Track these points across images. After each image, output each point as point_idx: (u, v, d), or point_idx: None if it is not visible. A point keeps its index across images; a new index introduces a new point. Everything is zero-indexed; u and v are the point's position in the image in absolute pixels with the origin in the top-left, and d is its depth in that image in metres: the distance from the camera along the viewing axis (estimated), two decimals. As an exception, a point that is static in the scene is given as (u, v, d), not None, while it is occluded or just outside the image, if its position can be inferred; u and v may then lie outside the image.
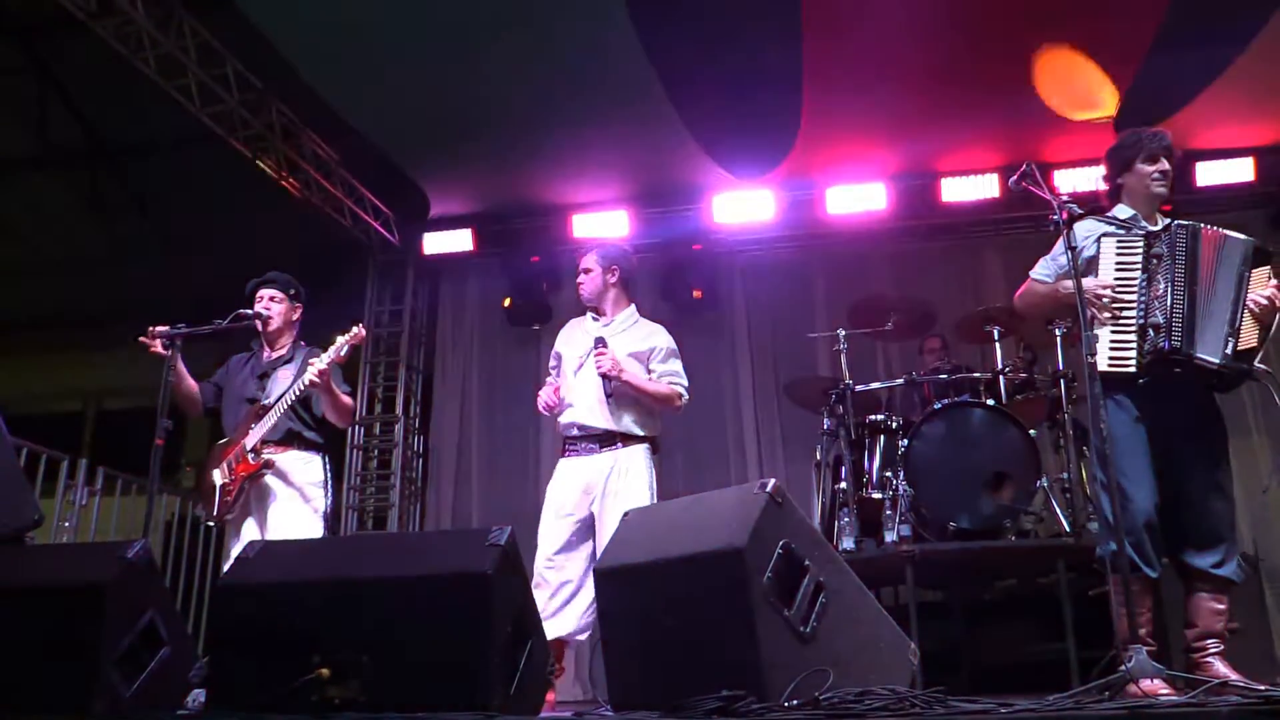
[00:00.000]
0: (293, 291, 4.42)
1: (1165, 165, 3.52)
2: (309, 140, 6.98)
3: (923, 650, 2.77)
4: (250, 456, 4.07)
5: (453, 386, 8.00)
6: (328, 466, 4.27)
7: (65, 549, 4.34)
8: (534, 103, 6.45)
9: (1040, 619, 5.07)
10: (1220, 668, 3.11)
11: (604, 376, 3.97)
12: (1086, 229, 3.46)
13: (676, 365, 4.18)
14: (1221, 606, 3.23)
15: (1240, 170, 6.96)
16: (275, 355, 4.33)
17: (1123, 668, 2.68)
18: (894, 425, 5.20)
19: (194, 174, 7.78)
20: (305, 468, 4.17)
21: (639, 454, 4.04)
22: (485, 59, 6.02)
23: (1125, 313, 3.30)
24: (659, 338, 4.21)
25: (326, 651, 2.37)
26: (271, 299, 4.35)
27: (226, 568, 3.31)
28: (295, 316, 4.43)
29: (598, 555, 3.86)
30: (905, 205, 7.38)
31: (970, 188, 7.16)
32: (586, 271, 4.24)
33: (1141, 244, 3.36)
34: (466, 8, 5.64)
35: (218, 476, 4.14)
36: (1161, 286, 3.28)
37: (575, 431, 4.07)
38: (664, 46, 6.00)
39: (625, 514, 2.95)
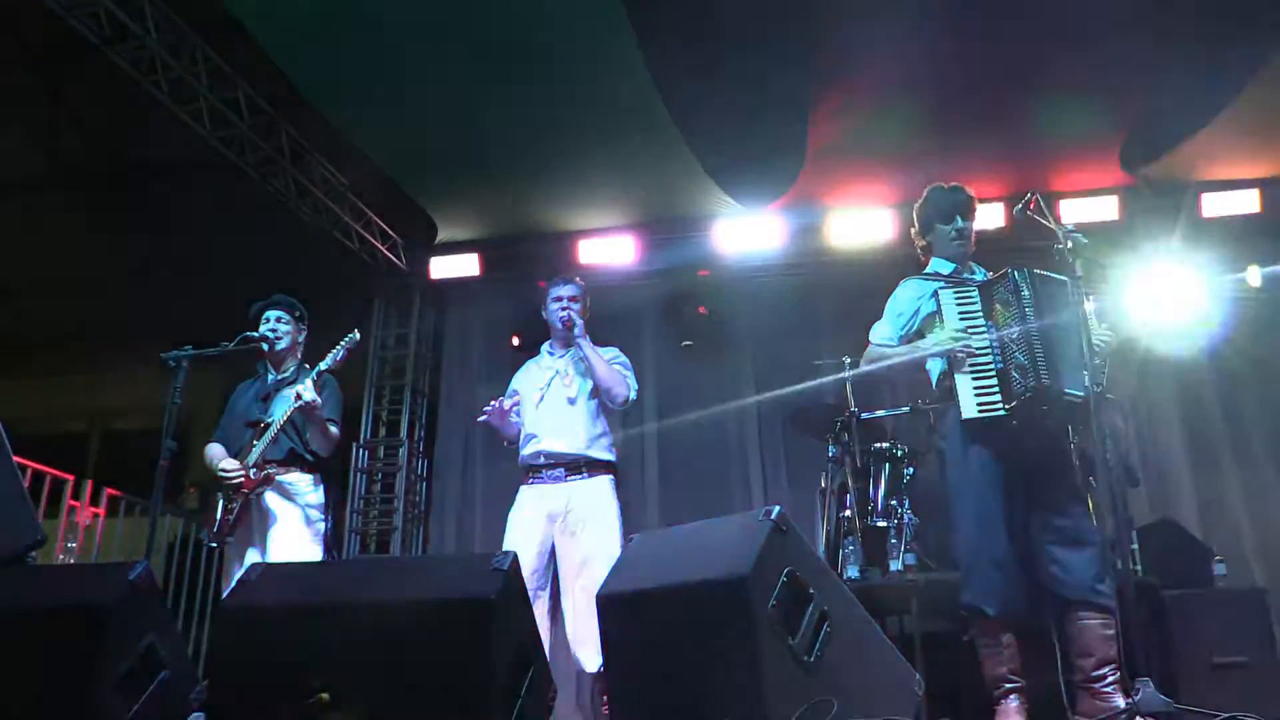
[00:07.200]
0: (298, 314, 4.46)
1: (961, 224, 3.63)
2: (318, 165, 7.02)
3: (927, 681, 2.75)
4: (251, 472, 4.07)
5: (458, 410, 7.98)
6: (326, 489, 4.27)
7: (67, 570, 4.34)
8: (540, 130, 6.47)
9: (1048, 648, 5.01)
10: (1119, 700, 3.01)
11: (564, 324, 4.13)
12: (918, 288, 3.58)
13: (628, 372, 4.23)
14: (1110, 631, 3.16)
15: (1246, 202, 6.94)
16: (280, 377, 4.34)
17: (1131, 700, 2.65)
18: (899, 453, 5.18)
19: (202, 196, 7.82)
20: (307, 489, 4.18)
21: (604, 485, 4.03)
22: (492, 86, 6.06)
23: (982, 359, 3.32)
24: (616, 352, 4.29)
25: (327, 675, 2.36)
26: (279, 320, 4.38)
27: (228, 590, 3.30)
28: (300, 338, 4.46)
29: (560, 587, 3.87)
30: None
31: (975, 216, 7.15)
32: (574, 300, 4.27)
33: (976, 294, 3.43)
34: (474, 36, 5.68)
35: (220, 496, 4.14)
36: (1016, 331, 3.30)
37: (541, 460, 4.06)
38: (671, 75, 6.03)
39: (630, 538, 2.94)
